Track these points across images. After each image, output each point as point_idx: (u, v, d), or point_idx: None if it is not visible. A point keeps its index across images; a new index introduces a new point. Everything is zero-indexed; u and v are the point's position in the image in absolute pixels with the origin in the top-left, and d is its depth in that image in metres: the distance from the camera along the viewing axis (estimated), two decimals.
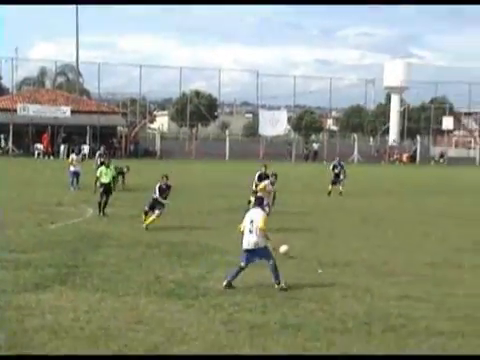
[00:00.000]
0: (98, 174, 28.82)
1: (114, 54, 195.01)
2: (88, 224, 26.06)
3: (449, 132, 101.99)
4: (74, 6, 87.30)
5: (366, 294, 16.48)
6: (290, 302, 15.42)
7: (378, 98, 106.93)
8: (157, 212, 25.32)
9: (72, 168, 39.03)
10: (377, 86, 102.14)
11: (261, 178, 30.48)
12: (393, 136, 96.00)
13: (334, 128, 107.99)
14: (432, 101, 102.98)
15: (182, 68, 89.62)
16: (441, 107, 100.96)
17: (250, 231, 16.80)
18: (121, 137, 76.22)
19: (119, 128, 78.00)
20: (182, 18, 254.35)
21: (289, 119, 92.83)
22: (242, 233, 17.06)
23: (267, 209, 25.40)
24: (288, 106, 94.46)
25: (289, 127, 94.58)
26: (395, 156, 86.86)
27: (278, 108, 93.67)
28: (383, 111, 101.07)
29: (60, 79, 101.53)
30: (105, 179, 28.53)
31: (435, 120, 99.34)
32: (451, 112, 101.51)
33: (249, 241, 16.79)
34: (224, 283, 16.71)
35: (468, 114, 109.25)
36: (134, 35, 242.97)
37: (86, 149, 68.81)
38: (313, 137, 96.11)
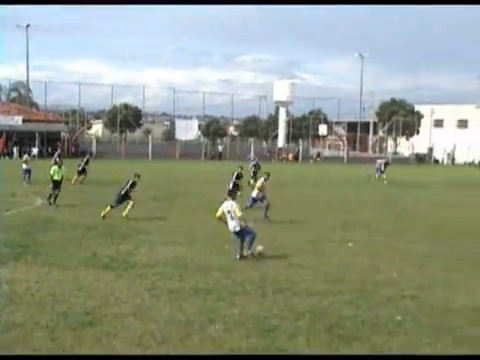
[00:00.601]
0: (51, 172, 28.38)
1: (60, 74, 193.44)
2: (38, 211, 25.70)
3: (324, 137, 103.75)
4: (25, 34, 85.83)
5: (261, 264, 16.64)
6: (201, 272, 15.45)
7: (269, 110, 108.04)
8: (131, 203, 24.67)
9: (24, 166, 38.36)
10: (268, 101, 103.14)
11: (239, 177, 29.94)
12: (281, 140, 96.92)
13: (235, 134, 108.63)
14: (310, 113, 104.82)
15: (113, 85, 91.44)
16: (317, 117, 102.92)
17: (231, 218, 17.45)
18: (64, 141, 75.78)
19: (62, 134, 77.50)
20: (117, 47, 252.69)
21: (199, 126, 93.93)
22: (219, 219, 17.76)
23: (265, 201, 25.44)
24: (199, 116, 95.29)
25: (199, 133, 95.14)
26: (283, 155, 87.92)
27: (190, 118, 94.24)
28: (273, 120, 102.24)
29: (13, 94, 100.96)
30: (57, 177, 28.09)
31: (313, 127, 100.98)
32: (325, 121, 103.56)
33: (234, 225, 17.43)
34: (237, 256, 17.26)
35: (338, 123, 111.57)
36: (77, 60, 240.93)
37: (35, 151, 69.63)
38: (218, 141, 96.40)
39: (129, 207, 24.66)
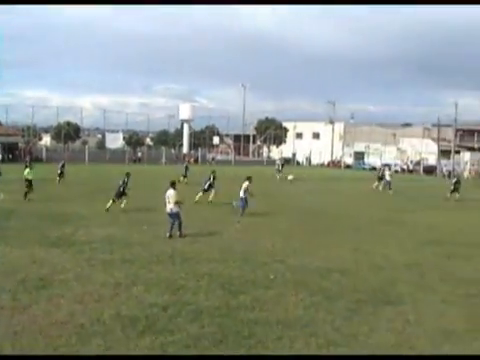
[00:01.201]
0: (25, 174, 26.91)
1: (17, 99, 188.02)
2: (2, 203, 24.58)
3: (216, 145, 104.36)
4: None
5: (171, 240, 16.57)
6: (126, 246, 15.25)
7: (176, 125, 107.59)
8: (125, 199, 23.71)
9: None
10: (175, 119, 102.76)
11: (213, 179, 27.66)
12: (185, 147, 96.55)
13: (150, 143, 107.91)
14: (207, 127, 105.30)
15: (58, 107, 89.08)
16: (212, 131, 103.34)
17: (168, 202, 17.24)
18: (21, 149, 73.11)
19: (19, 144, 74.66)
20: (61, 77, 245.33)
21: (124, 138, 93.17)
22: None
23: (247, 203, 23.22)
24: (123, 130, 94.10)
25: (124, 143, 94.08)
26: (187, 159, 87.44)
27: (117, 131, 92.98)
28: (179, 133, 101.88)
29: None
30: (30, 177, 26.86)
31: (209, 138, 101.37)
32: (217, 134, 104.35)
33: (170, 208, 17.20)
34: (167, 235, 16.89)
35: (227, 135, 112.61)
36: (31, 88, 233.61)
37: None
38: (138, 149, 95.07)
39: (125, 201, 23.69)
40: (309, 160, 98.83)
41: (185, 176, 39.13)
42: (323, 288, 11.52)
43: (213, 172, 28.32)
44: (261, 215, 23.73)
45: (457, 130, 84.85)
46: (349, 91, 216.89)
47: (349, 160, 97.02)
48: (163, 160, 77.64)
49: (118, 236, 16.95)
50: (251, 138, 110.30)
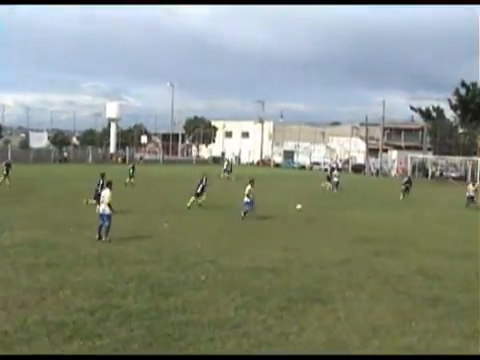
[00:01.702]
0: None
1: None
2: None
3: (145, 144, 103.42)
4: None
5: (99, 242, 16.27)
6: (52, 249, 14.86)
7: (103, 124, 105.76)
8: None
9: None
10: (102, 117, 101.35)
11: (205, 183, 26.85)
12: (113, 147, 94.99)
13: (76, 143, 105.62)
14: (135, 126, 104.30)
15: None
16: (140, 130, 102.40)
17: (102, 202, 16.90)
18: None
19: None
20: None
21: (49, 137, 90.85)
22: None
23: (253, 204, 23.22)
24: (48, 129, 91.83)
25: (49, 142, 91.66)
26: (114, 158, 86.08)
27: (42, 130, 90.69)
28: (106, 132, 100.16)
29: None
30: None
31: (137, 137, 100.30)
32: (146, 133, 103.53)
33: (102, 208, 16.83)
34: (96, 236, 16.51)
35: (155, 134, 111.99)
36: None
37: None
38: (64, 148, 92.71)
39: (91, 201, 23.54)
40: (238, 159, 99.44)
41: (132, 177, 38.48)
42: (254, 288, 11.62)
43: (204, 174, 27.79)
44: (191, 215, 23.70)
45: (385, 129, 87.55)
46: (279, 90, 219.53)
47: (278, 159, 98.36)
48: (90, 160, 76.23)
49: (43, 239, 16.48)
50: (180, 137, 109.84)
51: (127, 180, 37.19)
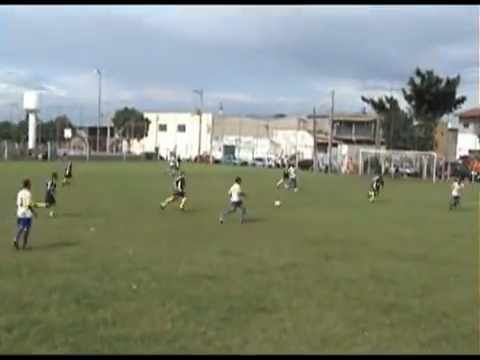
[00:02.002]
0: None
1: None
2: None
3: (69, 139, 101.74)
4: None
5: (16, 250, 15.91)
6: None
7: (21, 116, 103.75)
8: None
9: None
10: (19, 108, 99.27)
11: (183, 182, 26.46)
12: (31, 142, 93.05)
13: None
14: (57, 119, 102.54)
15: None
16: (63, 123, 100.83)
17: (21, 205, 16.29)
18: None
19: None
20: None
21: None
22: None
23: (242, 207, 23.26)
24: None
25: None
26: (34, 154, 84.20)
27: None
28: (24, 125, 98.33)
29: None
30: None
31: (59, 131, 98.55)
32: (70, 126, 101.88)
33: (21, 212, 16.27)
34: (13, 242, 15.98)
35: (81, 128, 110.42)
36: None
37: None
38: None
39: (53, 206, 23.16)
40: (174, 155, 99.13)
41: (69, 176, 37.70)
42: (192, 297, 11.61)
43: (182, 174, 27.53)
44: (122, 217, 23.47)
45: (334, 121, 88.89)
46: (218, 79, 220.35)
47: (218, 155, 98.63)
48: (5, 156, 74.35)
49: None
50: (108, 131, 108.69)
51: (64, 180, 36.55)
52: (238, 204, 23.47)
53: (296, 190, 39.54)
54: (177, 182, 26.80)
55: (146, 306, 10.90)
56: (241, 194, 23.52)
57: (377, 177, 37.24)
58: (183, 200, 26.44)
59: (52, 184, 23.57)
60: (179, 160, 55.52)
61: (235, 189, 23.50)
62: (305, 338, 9.57)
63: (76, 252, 15.84)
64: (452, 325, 10.55)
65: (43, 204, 22.42)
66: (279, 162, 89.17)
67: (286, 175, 43.81)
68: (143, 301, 11.22)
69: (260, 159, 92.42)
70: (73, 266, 14.03)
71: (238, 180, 23.74)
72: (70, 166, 38.75)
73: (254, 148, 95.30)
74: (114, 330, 9.52)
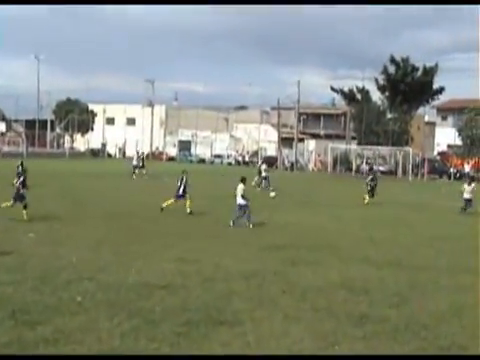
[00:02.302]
0: None
1: None
2: None
3: (3, 134, 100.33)
4: None
5: None
6: None
7: None
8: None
9: None
10: None
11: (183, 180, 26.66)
12: None
13: None
14: None
15: None
16: None
17: None
18: None
19: None
20: None
21: None
22: None
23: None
24: None
25: None
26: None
27: None
28: None
29: None
30: None
31: None
32: (3, 119, 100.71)
33: None
34: None
35: (16, 121, 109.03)
36: None
37: None
38: None
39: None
40: (123, 151, 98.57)
41: (21, 176, 36.98)
42: (144, 309, 11.54)
43: (184, 172, 27.50)
44: (64, 221, 23.24)
45: (300, 114, 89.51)
46: (173, 68, 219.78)
47: (173, 151, 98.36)
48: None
49: None
50: (49, 124, 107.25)
51: (15, 180, 35.98)
52: (244, 206, 23.75)
53: (273, 195, 39.54)
54: (181, 182, 27.06)
55: (92, 320, 10.80)
56: (242, 195, 23.74)
57: (371, 176, 37.24)
58: (188, 202, 26.75)
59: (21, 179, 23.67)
60: (143, 157, 55.21)
61: (240, 190, 23.80)
62: (269, 353, 9.59)
63: (12, 261, 15.60)
64: (430, 337, 10.70)
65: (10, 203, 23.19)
66: (240, 159, 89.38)
67: (260, 172, 44.28)
68: (89, 315, 11.12)
69: (219, 156, 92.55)
70: (9, 277, 13.81)
71: (243, 180, 24.08)
72: (21, 163, 37.71)
73: (212, 143, 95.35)
74: (56, 348, 9.40)
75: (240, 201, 23.79)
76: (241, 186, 23.88)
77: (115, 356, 8.40)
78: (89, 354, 8.38)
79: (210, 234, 21.50)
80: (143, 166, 53.07)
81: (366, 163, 75.87)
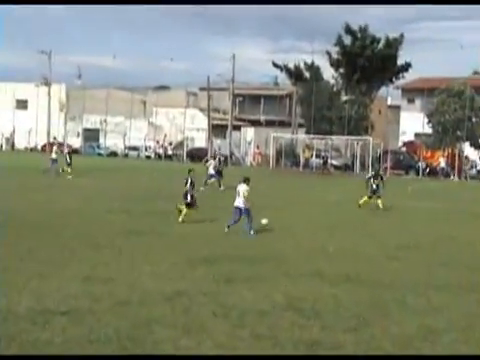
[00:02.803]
0: None
1: None
2: None
3: None
4: None
5: None
6: None
7: None
8: None
9: None
10: None
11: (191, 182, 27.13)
12: None
13: None
14: None
15: None
16: None
17: None
18: None
19: None
20: None
21: None
22: None
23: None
24: None
25: None
26: None
27: None
28: None
29: None
30: None
31: None
32: None
33: None
34: None
35: None
36: None
37: None
38: None
39: None
40: (12, 143, 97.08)
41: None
42: (39, 341, 11.42)
43: (191, 171, 28.05)
44: None
45: (235, 96, 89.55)
46: (74, 38, 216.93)
47: (76, 142, 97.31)
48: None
49: None
50: None
51: None
52: (245, 211, 24.66)
53: (222, 188, 40.04)
54: (189, 184, 27.90)
55: None
56: (245, 198, 24.65)
57: (372, 173, 37.53)
58: (185, 210, 27.57)
59: None
60: (69, 152, 54.60)
61: (244, 191, 24.75)
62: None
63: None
64: None
65: None
66: (161, 151, 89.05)
67: (219, 171, 44.68)
68: None
69: (135, 148, 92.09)
70: None
71: (247, 180, 25.11)
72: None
73: (126, 133, 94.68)
74: None
75: (240, 204, 24.63)
76: (245, 187, 24.75)
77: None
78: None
79: (126, 247, 21.36)
80: (69, 164, 52.23)
81: (318, 156, 76.39)
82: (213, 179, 44.07)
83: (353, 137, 76.15)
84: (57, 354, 8.88)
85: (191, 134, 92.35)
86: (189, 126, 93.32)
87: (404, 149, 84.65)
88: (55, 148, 54.64)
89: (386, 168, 72.28)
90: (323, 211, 34.10)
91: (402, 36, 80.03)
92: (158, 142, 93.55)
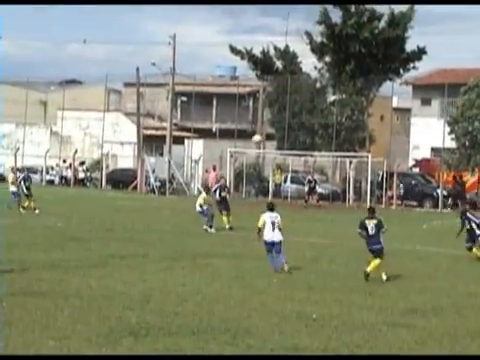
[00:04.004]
0: None
1: None
2: None
3: None
4: None
5: None
6: None
7: None
8: None
9: None
10: None
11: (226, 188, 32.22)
12: None
13: None
14: None
15: None
16: None
17: None
18: None
19: None
20: None
21: None
22: None
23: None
24: None
25: None
26: None
27: None
28: None
29: None
30: None
31: None
32: None
33: None
34: None
35: None
36: None
37: None
38: None
39: None
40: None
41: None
42: None
43: (221, 178, 31.96)
44: None
45: (177, 94, 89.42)
46: None
47: None
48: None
49: None
50: None
51: None
52: (277, 244, 28.82)
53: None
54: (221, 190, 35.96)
55: None
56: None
57: (462, 209, 38.73)
58: (224, 218, 35.92)
59: None
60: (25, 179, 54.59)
61: (277, 221, 29.62)
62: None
63: None
64: None
65: None
66: (70, 174, 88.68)
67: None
68: None
69: (31, 169, 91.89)
70: None
71: (271, 207, 30.58)
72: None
73: (19, 147, 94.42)
74: None
75: (275, 237, 29.29)
76: (276, 216, 29.87)
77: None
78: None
79: (24, 310, 21.45)
80: (29, 194, 52.36)
81: (294, 181, 76.06)
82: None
83: (344, 154, 75.82)
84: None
85: (113, 149, 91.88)
86: (110, 138, 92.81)
87: (416, 170, 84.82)
88: (11, 175, 55.04)
89: (392, 197, 72.46)
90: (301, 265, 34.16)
91: (412, 10, 78.63)
92: (65, 161, 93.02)
